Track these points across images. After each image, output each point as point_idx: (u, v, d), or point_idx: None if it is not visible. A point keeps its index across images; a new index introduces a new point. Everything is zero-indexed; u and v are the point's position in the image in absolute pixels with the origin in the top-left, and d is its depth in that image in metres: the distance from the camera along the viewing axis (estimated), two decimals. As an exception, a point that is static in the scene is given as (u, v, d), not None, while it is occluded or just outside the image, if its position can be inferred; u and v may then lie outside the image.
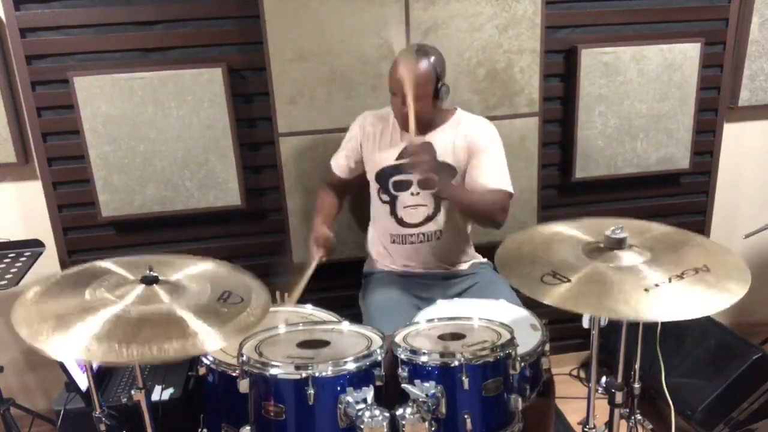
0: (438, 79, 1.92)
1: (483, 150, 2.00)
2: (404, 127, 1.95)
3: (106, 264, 1.51)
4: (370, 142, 2.08)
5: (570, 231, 1.56)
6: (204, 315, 1.33)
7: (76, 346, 1.21)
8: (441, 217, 2.06)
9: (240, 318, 1.36)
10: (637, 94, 2.47)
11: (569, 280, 1.31)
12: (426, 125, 1.98)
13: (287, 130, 2.30)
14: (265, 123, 2.32)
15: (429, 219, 2.06)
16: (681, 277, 1.30)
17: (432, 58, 1.91)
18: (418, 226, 2.06)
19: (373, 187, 2.10)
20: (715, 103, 2.60)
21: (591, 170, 2.54)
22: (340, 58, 2.25)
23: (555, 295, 1.28)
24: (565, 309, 1.25)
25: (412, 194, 2.03)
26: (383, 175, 2.06)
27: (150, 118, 2.21)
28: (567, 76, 2.46)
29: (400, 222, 2.07)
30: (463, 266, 2.17)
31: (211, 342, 1.28)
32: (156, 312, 1.32)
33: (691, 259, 1.38)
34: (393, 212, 2.06)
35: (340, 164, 2.17)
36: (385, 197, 2.07)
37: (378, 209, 2.11)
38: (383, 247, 2.15)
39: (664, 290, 1.27)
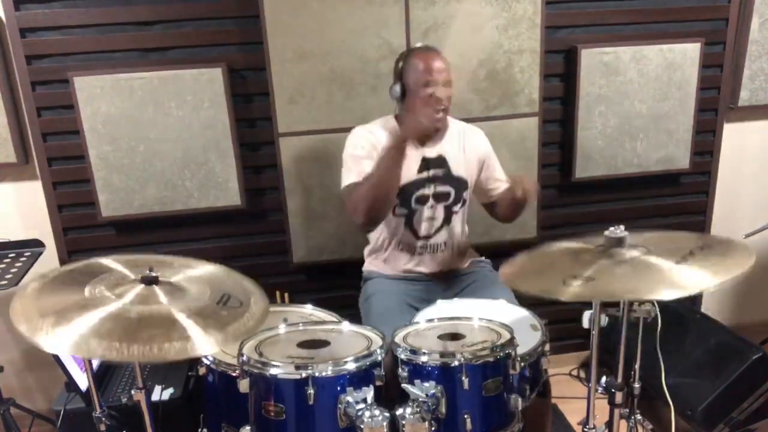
0: None
1: (490, 157, 2.14)
2: (435, 122, 1.93)
3: (106, 261, 1.50)
4: None
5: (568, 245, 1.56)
6: (202, 319, 1.33)
7: (75, 341, 1.20)
8: (449, 228, 2.08)
9: (238, 323, 1.36)
10: (637, 94, 2.47)
11: (593, 279, 1.29)
12: (436, 133, 2.00)
13: (287, 130, 2.30)
14: (265, 123, 2.32)
15: (439, 230, 2.08)
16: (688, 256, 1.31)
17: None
18: (429, 238, 2.08)
19: None
20: (715, 103, 2.60)
21: (591, 170, 2.54)
22: (340, 58, 2.25)
23: (586, 292, 1.26)
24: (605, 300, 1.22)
25: (429, 207, 2.04)
26: (406, 191, 2.01)
27: (150, 118, 2.21)
28: (567, 76, 2.46)
29: (415, 234, 2.07)
30: (462, 265, 2.17)
31: (208, 346, 1.28)
32: (155, 313, 1.32)
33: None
34: (408, 224, 2.06)
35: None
36: (403, 210, 2.04)
37: (388, 224, 2.08)
38: (385, 254, 2.14)
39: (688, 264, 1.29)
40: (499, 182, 2.14)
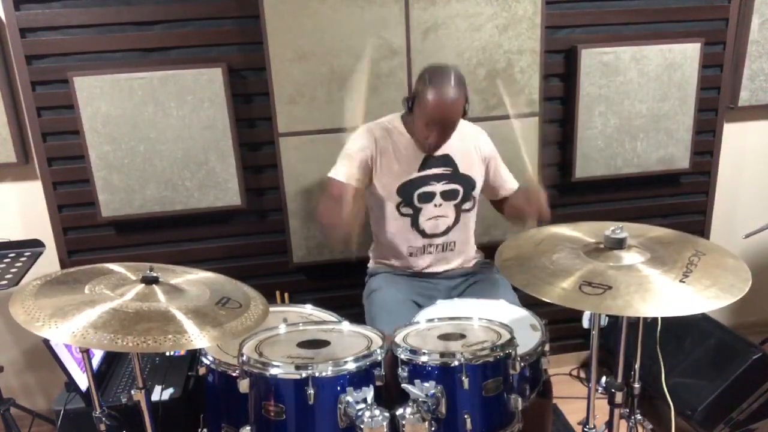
0: (466, 100, 1.91)
1: (495, 158, 2.15)
2: (427, 150, 1.99)
3: (108, 265, 1.52)
4: (386, 157, 2.01)
5: (569, 233, 1.56)
6: (199, 316, 1.33)
7: (71, 330, 1.22)
8: (458, 227, 2.09)
9: (236, 321, 1.36)
10: (637, 94, 2.47)
11: (610, 287, 1.28)
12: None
13: (287, 130, 2.30)
14: (265, 123, 2.32)
15: (449, 229, 2.08)
16: (687, 272, 1.31)
17: (463, 84, 1.88)
18: (439, 236, 2.08)
19: (392, 201, 2.03)
20: (715, 103, 2.60)
21: (591, 170, 2.54)
22: (340, 58, 2.24)
23: (602, 305, 1.25)
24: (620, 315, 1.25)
25: (435, 205, 2.04)
26: (407, 188, 2.02)
27: (150, 118, 2.21)
28: (567, 76, 2.46)
29: (423, 233, 2.07)
30: (466, 265, 2.18)
31: (203, 340, 1.29)
32: (153, 309, 1.33)
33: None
34: (415, 224, 2.06)
35: (353, 174, 1.93)
36: (407, 210, 2.04)
37: (394, 224, 2.07)
38: (394, 258, 2.14)
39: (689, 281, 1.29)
40: (506, 181, 2.16)
